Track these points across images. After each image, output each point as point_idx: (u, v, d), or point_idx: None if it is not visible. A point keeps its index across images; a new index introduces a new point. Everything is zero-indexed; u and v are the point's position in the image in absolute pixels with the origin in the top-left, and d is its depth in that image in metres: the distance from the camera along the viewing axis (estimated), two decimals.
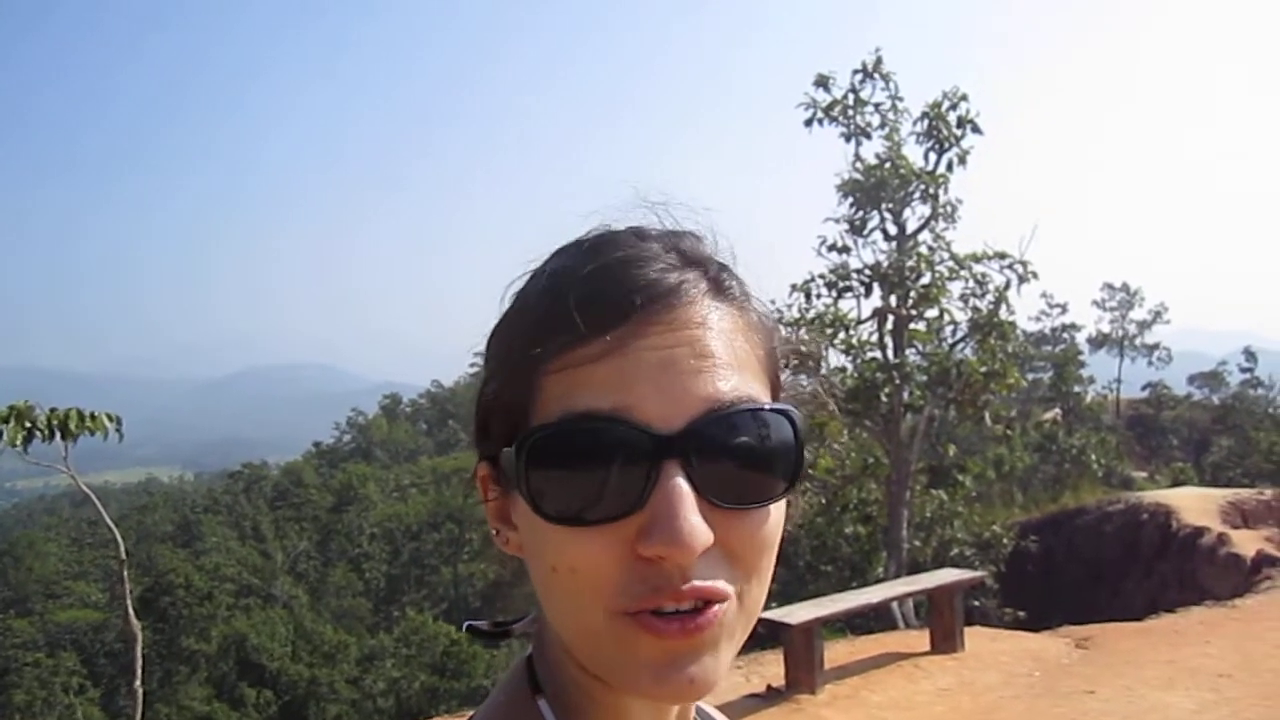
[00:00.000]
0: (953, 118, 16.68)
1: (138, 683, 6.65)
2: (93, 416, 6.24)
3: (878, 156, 16.85)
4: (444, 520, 42.01)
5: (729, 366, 0.67)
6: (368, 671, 30.34)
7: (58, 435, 6.15)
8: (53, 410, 6.16)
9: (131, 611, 6.88)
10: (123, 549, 6.89)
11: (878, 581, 14.07)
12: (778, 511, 0.68)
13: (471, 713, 0.76)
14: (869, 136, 17.11)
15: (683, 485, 0.62)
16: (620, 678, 0.66)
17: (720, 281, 0.71)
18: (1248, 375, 50.77)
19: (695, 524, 0.62)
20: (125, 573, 7.22)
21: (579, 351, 0.65)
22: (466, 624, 0.83)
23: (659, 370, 0.64)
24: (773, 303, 0.78)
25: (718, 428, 0.64)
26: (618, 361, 0.64)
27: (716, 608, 0.64)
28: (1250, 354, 50.67)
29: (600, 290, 0.66)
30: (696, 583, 0.63)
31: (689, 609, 0.63)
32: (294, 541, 44.70)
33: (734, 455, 0.65)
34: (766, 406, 0.67)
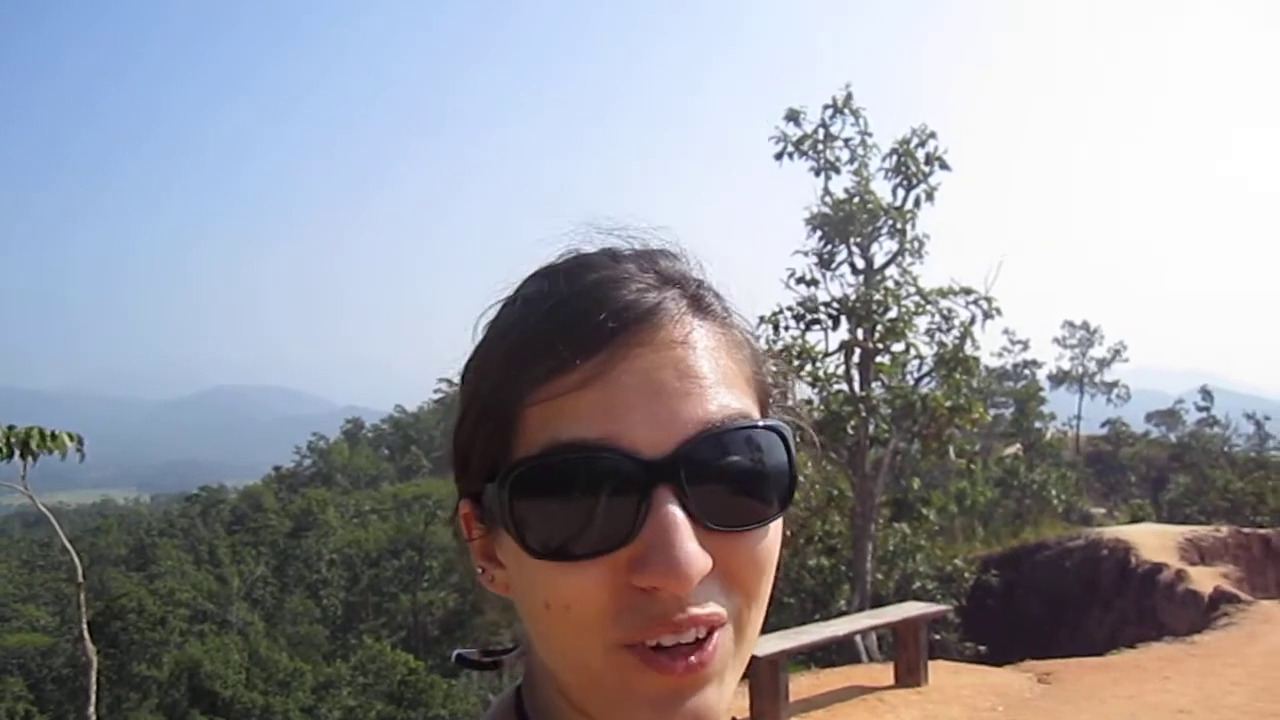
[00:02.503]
0: (921, 154, 16.94)
1: (91, 709, 6.50)
2: (54, 435, 6.14)
3: (846, 191, 17.07)
4: (404, 547, 41.47)
5: (716, 385, 0.64)
6: (323, 700, 29.72)
7: (16, 454, 6.03)
8: (11, 428, 6.05)
9: (87, 636, 6.73)
10: (80, 572, 6.75)
11: (841, 614, 14.08)
12: (774, 532, 0.66)
13: None
14: (838, 171, 17.37)
15: (676, 512, 0.60)
16: (619, 715, 0.63)
17: (701, 299, 0.69)
18: (1204, 414, 51.69)
19: (692, 551, 0.60)
20: (81, 596, 7.08)
21: (560, 380, 0.62)
22: (456, 653, 0.80)
23: (645, 394, 0.62)
24: None
25: (708, 449, 0.62)
26: (602, 387, 0.62)
27: (717, 636, 0.62)
28: (1207, 393, 51.59)
29: (578, 315, 0.64)
30: (694, 610, 0.61)
31: (690, 640, 0.61)
32: (251, 567, 43.86)
33: (727, 476, 0.63)
34: (758, 424, 0.65)
